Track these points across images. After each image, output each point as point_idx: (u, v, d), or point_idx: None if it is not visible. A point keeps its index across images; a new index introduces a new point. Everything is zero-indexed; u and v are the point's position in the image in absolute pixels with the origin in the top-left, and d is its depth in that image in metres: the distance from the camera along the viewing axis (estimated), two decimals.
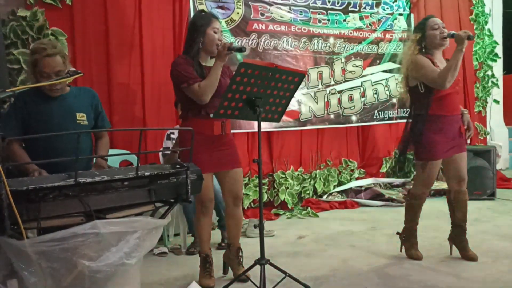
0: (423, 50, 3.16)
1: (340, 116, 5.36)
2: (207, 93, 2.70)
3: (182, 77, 2.73)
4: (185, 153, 2.73)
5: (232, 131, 2.99)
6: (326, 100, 5.24)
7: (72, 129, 2.47)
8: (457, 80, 3.12)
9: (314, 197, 5.21)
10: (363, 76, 5.49)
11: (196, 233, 3.02)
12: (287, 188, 4.95)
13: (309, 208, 4.87)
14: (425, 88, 3.10)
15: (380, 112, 5.61)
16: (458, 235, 3.25)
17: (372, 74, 5.55)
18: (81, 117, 2.53)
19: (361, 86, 5.46)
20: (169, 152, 3.71)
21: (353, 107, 5.43)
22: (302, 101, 5.07)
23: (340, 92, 5.34)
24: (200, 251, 2.99)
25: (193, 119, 2.78)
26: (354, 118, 5.46)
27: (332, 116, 5.31)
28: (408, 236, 3.31)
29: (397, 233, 3.39)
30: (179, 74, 2.75)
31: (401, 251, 3.34)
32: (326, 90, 5.24)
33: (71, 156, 2.30)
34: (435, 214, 4.29)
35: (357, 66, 5.45)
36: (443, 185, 5.20)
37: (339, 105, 5.33)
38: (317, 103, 5.18)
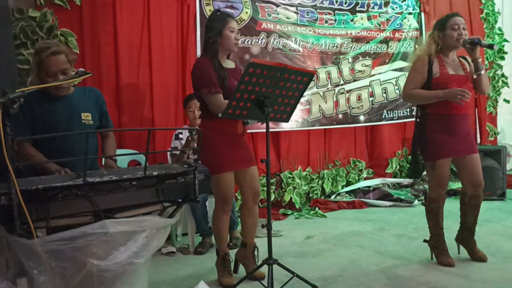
0: (439, 49, 3.09)
1: (348, 116, 5.34)
2: (221, 111, 2.67)
3: (204, 81, 2.75)
4: (204, 153, 2.67)
5: None
6: (335, 99, 5.22)
7: (78, 129, 2.47)
8: (464, 78, 3.06)
9: (322, 197, 5.20)
10: (371, 76, 5.46)
11: (214, 231, 3.02)
12: (294, 188, 4.94)
13: (317, 208, 4.86)
14: (423, 88, 3.07)
15: (389, 112, 5.57)
16: (466, 237, 3.22)
17: (380, 73, 5.51)
18: (86, 117, 2.53)
19: (369, 85, 5.44)
20: (177, 152, 3.73)
21: (361, 107, 5.40)
22: (312, 101, 5.06)
23: (349, 91, 5.32)
24: (218, 249, 3.00)
25: (217, 118, 2.73)
26: (362, 118, 5.43)
27: (340, 116, 5.29)
28: (437, 243, 3.18)
29: (425, 240, 3.27)
30: (202, 77, 2.77)
31: (432, 258, 3.21)
32: (335, 89, 5.22)
33: (78, 156, 2.33)
34: (444, 214, 4.25)
35: (366, 66, 5.42)
36: (452, 185, 5.16)
37: (347, 105, 5.31)
38: (326, 102, 5.17)
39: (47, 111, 2.46)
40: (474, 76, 3.07)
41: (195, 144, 3.39)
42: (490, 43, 2.94)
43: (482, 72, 3.05)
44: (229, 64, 2.96)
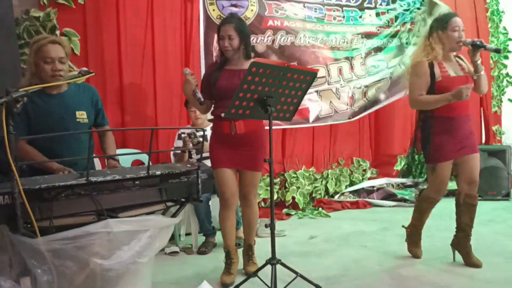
0: (445, 51, 3.03)
1: (366, 106, 5.28)
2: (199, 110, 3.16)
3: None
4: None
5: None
6: (350, 95, 5.18)
7: (72, 128, 2.45)
8: (464, 78, 3.01)
9: (326, 197, 5.19)
10: (390, 68, 5.38)
11: (220, 227, 3.07)
12: (298, 187, 4.94)
13: (320, 208, 4.85)
14: (426, 93, 3.02)
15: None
16: (461, 241, 3.11)
17: (394, 66, 5.46)
18: (81, 115, 2.51)
19: (390, 77, 5.37)
20: (180, 151, 3.73)
21: (379, 88, 5.36)
22: (322, 97, 5.02)
23: (366, 87, 5.26)
24: (223, 246, 3.04)
25: (215, 118, 2.97)
26: (382, 96, 5.34)
27: (356, 110, 5.22)
28: (412, 233, 3.31)
29: (403, 226, 3.39)
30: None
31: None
32: (349, 85, 5.16)
33: (72, 155, 2.32)
34: (448, 215, 4.20)
35: (381, 60, 5.36)
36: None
37: (364, 99, 5.24)
38: (339, 98, 5.13)
39: (42, 109, 2.42)
40: (474, 77, 3.03)
41: (191, 144, 3.49)
42: (496, 47, 2.83)
43: (482, 73, 3.03)
44: (246, 64, 2.88)
